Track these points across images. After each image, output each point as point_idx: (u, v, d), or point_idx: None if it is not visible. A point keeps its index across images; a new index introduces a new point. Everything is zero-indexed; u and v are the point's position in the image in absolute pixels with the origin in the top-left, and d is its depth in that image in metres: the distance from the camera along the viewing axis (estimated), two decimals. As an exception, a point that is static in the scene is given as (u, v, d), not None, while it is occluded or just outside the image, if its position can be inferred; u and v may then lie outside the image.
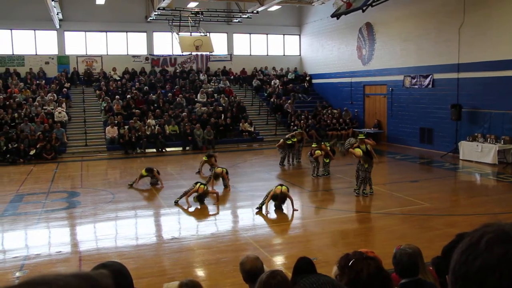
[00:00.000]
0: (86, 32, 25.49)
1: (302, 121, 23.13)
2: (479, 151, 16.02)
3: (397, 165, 16.84)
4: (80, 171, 16.58)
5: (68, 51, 25.32)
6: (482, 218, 9.15)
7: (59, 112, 21.08)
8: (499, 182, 13.50)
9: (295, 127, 21.26)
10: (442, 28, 18.19)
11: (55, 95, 22.57)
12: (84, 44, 25.61)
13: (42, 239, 8.92)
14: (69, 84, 24.19)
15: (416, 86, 19.83)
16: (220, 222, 10.12)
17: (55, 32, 24.83)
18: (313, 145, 14.62)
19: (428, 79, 19.15)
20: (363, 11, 17.75)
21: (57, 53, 25.12)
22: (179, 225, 9.94)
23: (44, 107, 21.42)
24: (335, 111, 24.44)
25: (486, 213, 9.75)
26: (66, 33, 25.13)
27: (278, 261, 7.42)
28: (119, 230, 9.54)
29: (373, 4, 17.06)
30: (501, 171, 14.63)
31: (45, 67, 24.77)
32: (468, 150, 16.47)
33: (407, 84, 20.34)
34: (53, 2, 20.00)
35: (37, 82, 23.50)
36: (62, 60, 25.13)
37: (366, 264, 2.72)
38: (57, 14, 22.87)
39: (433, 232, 8.54)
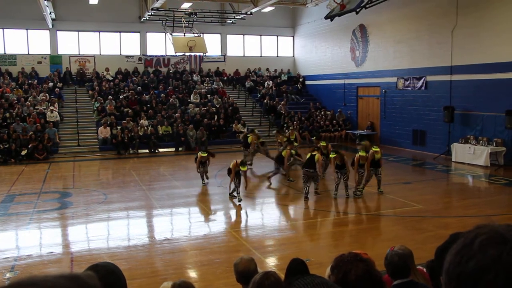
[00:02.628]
0: (79, 32, 25.36)
1: (295, 122, 23.16)
2: (471, 153, 16.11)
3: (390, 167, 16.86)
4: (72, 171, 16.48)
5: (61, 51, 25.17)
6: (474, 219, 9.18)
7: (51, 112, 20.94)
8: (491, 184, 13.57)
9: (285, 126, 21.12)
10: (435, 31, 18.28)
11: (47, 95, 22.43)
12: (77, 44, 25.48)
13: (33, 240, 8.85)
14: (61, 84, 24.06)
15: (409, 88, 19.91)
16: (212, 223, 10.09)
17: (47, 32, 24.67)
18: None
19: (421, 81, 19.24)
20: (357, 13, 17.83)
21: (49, 53, 24.96)
22: (171, 226, 9.91)
23: (36, 107, 21.27)
24: (328, 112, 24.50)
25: (478, 215, 9.80)
26: (58, 32, 24.99)
27: (271, 262, 7.41)
28: (111, 231, 9.50)
29: (367, 6, 17.13)
30: (493, 173, 14.72)
31: (38, 67, 24.61)
32: (461, 152, 16.56)
33: (400, 86, 20.42)
34: (45, 2, 19.89)
35: (29, 81, 23.34)
36: (55, 59, 24.98)
37: (354, 266, 2.71)
38: (50, 14, 22.74)
39: (425, 233, 8.57)
